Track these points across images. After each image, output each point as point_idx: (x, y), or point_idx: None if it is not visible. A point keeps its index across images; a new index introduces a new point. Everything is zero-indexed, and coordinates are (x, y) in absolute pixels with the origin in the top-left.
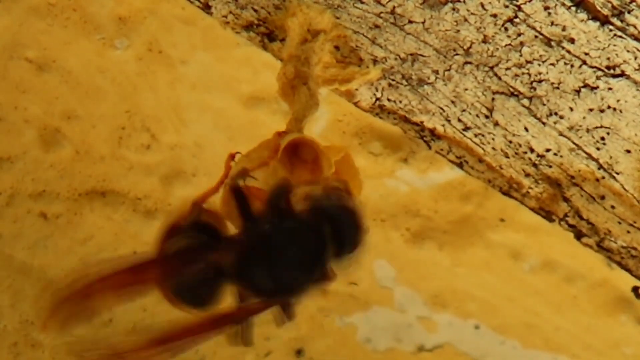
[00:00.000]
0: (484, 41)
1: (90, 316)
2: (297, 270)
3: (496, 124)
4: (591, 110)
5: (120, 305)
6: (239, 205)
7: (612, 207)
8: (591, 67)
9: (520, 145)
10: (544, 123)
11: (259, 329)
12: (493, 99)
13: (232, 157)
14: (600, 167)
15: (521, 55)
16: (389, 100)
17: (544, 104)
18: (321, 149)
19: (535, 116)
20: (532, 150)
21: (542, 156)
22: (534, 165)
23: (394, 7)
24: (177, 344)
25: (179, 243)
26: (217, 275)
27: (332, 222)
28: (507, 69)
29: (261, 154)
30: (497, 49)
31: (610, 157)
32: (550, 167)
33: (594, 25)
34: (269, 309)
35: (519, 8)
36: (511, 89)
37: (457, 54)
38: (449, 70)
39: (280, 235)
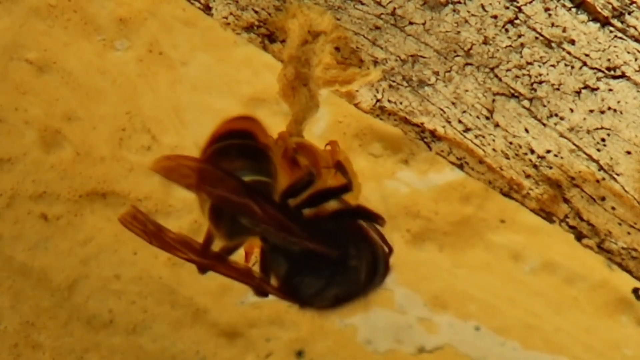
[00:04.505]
0: (485, 42)
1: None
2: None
3: (497, 125)
4: (591, 111)
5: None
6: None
7: (613, 208)
8: (591, 68)
9: (520, 147)
10: (544, 124)
11: (260, 330)
12: (493, 101)
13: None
14: (601, 168)
15: (522, 57)
16: (389, 101)
17: (545, 106)
18: (320, 152)
19: (535, 117)
20: (532, 152)
21: (542, 157)
22: (535, 166)
23: (395, 8)
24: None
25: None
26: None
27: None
28: (508, 70)
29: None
30: (498, 50)
31: (611, 159)
32: (551, 168)
33: (594, 26)
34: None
35: (520, 9)
36: (512, 91)
37: (457, 56)
38: (449, 71)
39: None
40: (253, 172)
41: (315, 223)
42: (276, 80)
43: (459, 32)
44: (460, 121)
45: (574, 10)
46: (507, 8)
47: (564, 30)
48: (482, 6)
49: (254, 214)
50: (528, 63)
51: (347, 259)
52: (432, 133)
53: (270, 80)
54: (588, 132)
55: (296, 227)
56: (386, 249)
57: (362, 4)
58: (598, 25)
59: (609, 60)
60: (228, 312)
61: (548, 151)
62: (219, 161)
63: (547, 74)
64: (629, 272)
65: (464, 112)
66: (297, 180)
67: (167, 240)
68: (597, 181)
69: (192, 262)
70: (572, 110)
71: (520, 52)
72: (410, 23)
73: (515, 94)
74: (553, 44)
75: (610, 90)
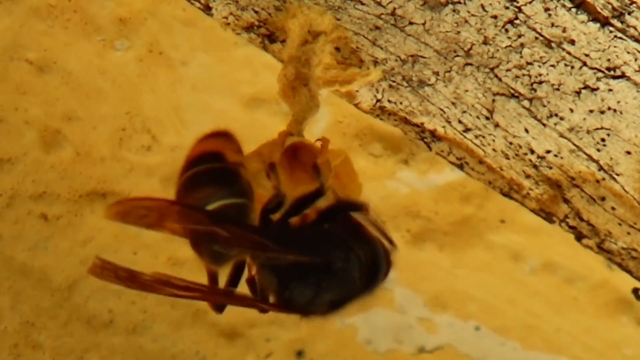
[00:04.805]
0: (485, 42)
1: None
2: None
3: (497, 125)
4: (591, 111)
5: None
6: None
7: (613, 208)
8: (591, 68)
9: (520, 147)
10: (544, 124)
11: (260, 330)
12: (493, 101)
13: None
14: (601, 168)
15: (522, 57)
16: (389, 101)
17: (545, 106)
18: (320, 152)
19: (535, 117)
20: (532, 152)
21: (542, 157)
22: (535, 166)
23: (395, 8)
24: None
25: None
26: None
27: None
28: (508, 70)
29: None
30: (498, 50)
31: (611, 159)
32: (551, 168)
33: (594, 26)
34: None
35: (520, 9)
36: (512, 91)
37: (457, 56)
38: (449, 71)
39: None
40: (223, 196)
41: (298, 232)
42: (276, 80)
43: (459, 32)
44: (460, 121)
45: (574, 10)
46: (507, 8)
47: (564, 30)
48: (482, 6)
49: (222, 239)
50: (528, 63)
51: (331, 263)
52: (432, 133)
53: (270, 80)
54: (588, 132)
55: (270, 242)
56: (387, 246)
57: (362, 4)
58: (598, 25)
59: (609, 60)
60: (228, 312)
61: (548, 151)
62: (190, 190)
63: (547, 74)
64: (629, 272)
65: (464, 112)
66: (267, 203)
67: (143, 281)
68: (597, 181)
69: (200, 300)
70: (572, 110)
71: (520, 52)
72: (410, 23)
73: (515, 94)
74: (553, 44)
75: (610, 90)
